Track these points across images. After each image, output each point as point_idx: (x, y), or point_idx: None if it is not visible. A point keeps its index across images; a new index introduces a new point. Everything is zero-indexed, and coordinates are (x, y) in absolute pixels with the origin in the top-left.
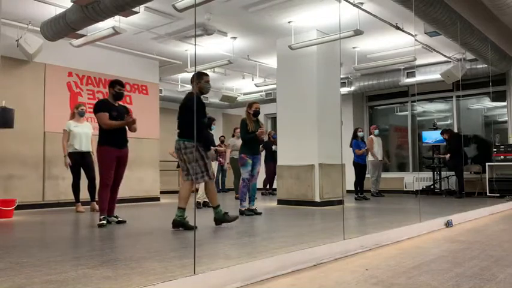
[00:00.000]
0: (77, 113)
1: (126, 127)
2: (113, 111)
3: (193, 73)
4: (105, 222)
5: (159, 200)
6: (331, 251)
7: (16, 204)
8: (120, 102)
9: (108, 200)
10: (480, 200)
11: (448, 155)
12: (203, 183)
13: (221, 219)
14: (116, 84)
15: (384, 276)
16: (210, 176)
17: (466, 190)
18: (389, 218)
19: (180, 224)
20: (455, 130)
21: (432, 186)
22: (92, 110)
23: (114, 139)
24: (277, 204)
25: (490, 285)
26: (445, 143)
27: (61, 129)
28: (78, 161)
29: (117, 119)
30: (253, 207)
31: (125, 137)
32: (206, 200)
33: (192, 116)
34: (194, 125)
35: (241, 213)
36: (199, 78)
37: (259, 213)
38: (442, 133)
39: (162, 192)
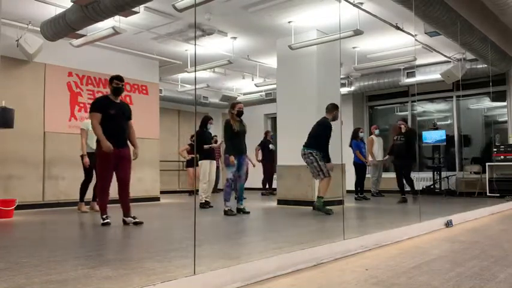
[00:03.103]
0: None
1: (126, 127)
2: (110, 109)
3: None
4: (108, 221)
5: (159, 200)
6: (331, 251)
7: (16, 204)
8: (124, 102)
9: (107, 198)
10: (480, 200)
11: (387, 157)
12: (204, 185)
13: (319, 208)
14: (113, 79)
15: (384, 276)
16: (325, 175)
17: (466, 190)
18: (390, 218)
19: (320, 208)
20: (455, 130)
21: (432, 186)
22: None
23: (112, 138)
24: (277, 204)
25: (490, 285)
26: (402, 137)
27: (61, 129)
28: (92, 161)
29: (115, 118)
30: (242, 207)
31: (124, 137)
32: (208, 199)
33: (321, 135)
34: (320, 140)
35: (225, 213)
36: (335, 109)
37: (248, 213)
38: (399, 120)
39: (162, 192)
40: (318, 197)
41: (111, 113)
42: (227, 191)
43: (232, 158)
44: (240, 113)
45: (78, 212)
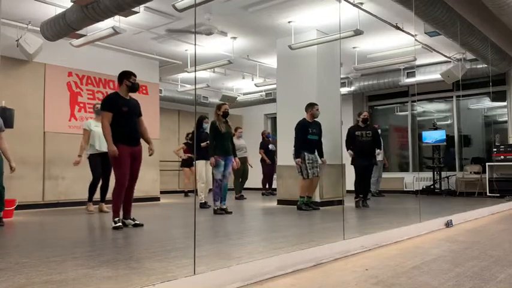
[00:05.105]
0: (95, 112)
1: (138, 124)
2: (123, 107)
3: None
4: (120, 224)
5: (159, 200)
6: (331, 251)
7: (16, 204)
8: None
9: (122, 201)
10: (480, 200)
11: (350, 151)
12: (202, 185)
13: (299, 207)
14: (131, 75)
15: (384, 276)
16: (303, 176)
17: (466, 190)
18: (390, 218)
19: (301, 207)
20: (455, 130)
21: (432, 186)
22: (91, 110)
23: (126, 137)
24: (277, 204)
25: (490, 285)
26: (369, 133)
27: (61, 129)
28: (100, 162)
29: (127, 115)
30: (225, 207)
31: (137, 134)
32: (207, 199)
33: (297, 135)
34: (297, 140)
35: (214, 212)
36: (310, 107)
37: (230, 213)
38: (364, 112)
39: (162, 192)
40: (300, 196)
41: (124, 110)
42: (216, 191)
43: (213, 158)
44: (225, 114)
45: (86, 212)
